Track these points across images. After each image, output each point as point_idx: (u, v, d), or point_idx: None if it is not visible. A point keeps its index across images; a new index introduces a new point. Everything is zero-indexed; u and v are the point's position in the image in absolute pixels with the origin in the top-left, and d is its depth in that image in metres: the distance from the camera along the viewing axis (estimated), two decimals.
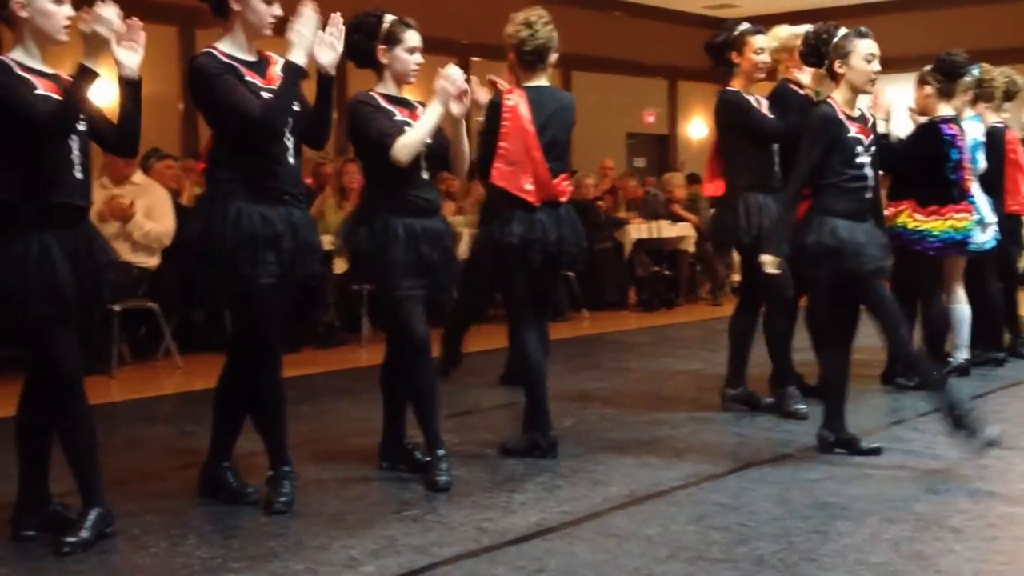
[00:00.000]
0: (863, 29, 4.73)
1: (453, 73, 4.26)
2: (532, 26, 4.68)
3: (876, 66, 4.70)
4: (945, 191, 5.98)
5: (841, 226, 4.62)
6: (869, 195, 4.79)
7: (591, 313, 10.32)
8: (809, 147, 4.70)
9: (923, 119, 6.13)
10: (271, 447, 4.12)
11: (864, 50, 4.67)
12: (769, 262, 4.75)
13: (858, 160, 4.70)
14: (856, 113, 4.77)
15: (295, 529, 3.90)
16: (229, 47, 3.97)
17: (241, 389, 4.12)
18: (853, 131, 4.69)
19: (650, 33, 14.98)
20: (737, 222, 5.48)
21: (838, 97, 4.73)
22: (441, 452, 4.40)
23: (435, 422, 4.43)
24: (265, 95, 3.89)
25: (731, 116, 5.57)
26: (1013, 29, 13.73)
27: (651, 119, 15.93)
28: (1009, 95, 7.02)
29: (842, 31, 4.76)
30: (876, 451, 4.76)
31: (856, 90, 4.74)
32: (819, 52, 4.82)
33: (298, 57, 3.90)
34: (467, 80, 4.39)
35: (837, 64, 4.71)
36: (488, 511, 4.07)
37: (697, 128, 16.10)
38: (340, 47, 4.05)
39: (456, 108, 4.32)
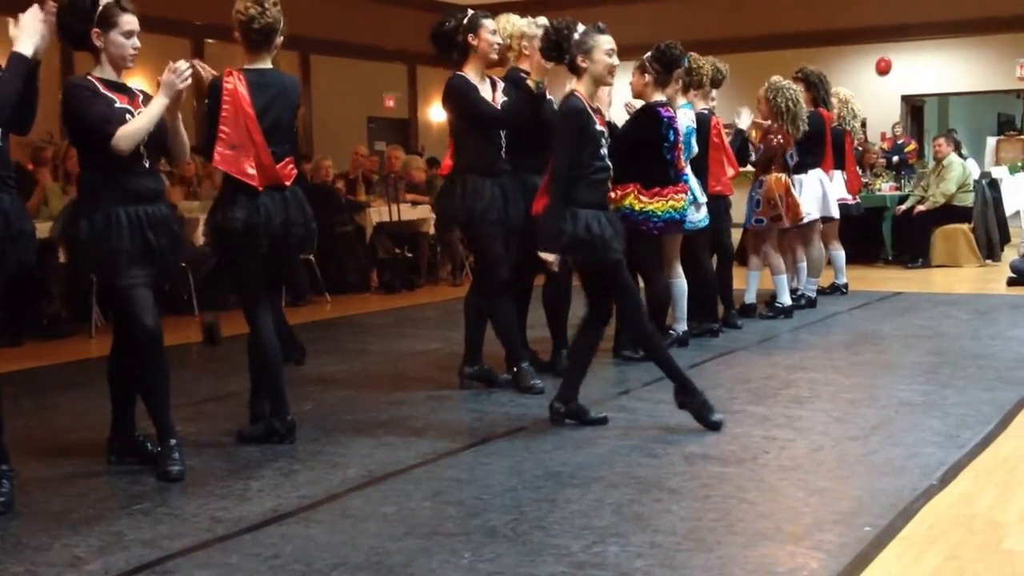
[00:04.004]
0: (601, 25, 4.89)
1: (182, 68, 4.20)
2: (262, 4, 4.61)
3: (615, 59, 4.87)
4: (663, 172, 6.31)
5: (592, 220, 4.78)
6: (609, 185, 5.00)
7: (333, 297, 10.26)
8: (565, 140, 4.82)
9: (639, 103, 6.45)
10: None
11: (605, 45, 4.84)
12: (551, 260, 4.82)
13: (602, 151, 4.88)
14: (595, 105, 4.93)
15: (14, 530, 3.72)
16: None
17: None
18: (597, 123, 4.86)
19: (388, 18, 14.99)
20: (454, 202, 5.65)
21: (582, 90, 4.88)
22: (173, 442, 4.30)
23: (166, 412, 4.32)
24: None
25: (453, 101, 5.69)
26: (720, 22, 14.65)
27: (391, 103, 15.98)
28: (715, 83, 7.50)
29: (581, 27, 4.90)
30: (603, 420, 5.00)
31: (598, 83, 4.91)
32: (560, 47, 4.94)
33: (24, 48, 3.82)
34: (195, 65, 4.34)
35: (580, 59, 4.85)
36: (223, 500, 4.01)
37: (437, 112, 16.25)
38: (47, 33, 3.94)
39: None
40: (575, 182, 4.81)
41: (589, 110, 4.84)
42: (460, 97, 5.65)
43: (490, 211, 5.61)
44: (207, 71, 4.52)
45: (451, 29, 5.68)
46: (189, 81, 4.24)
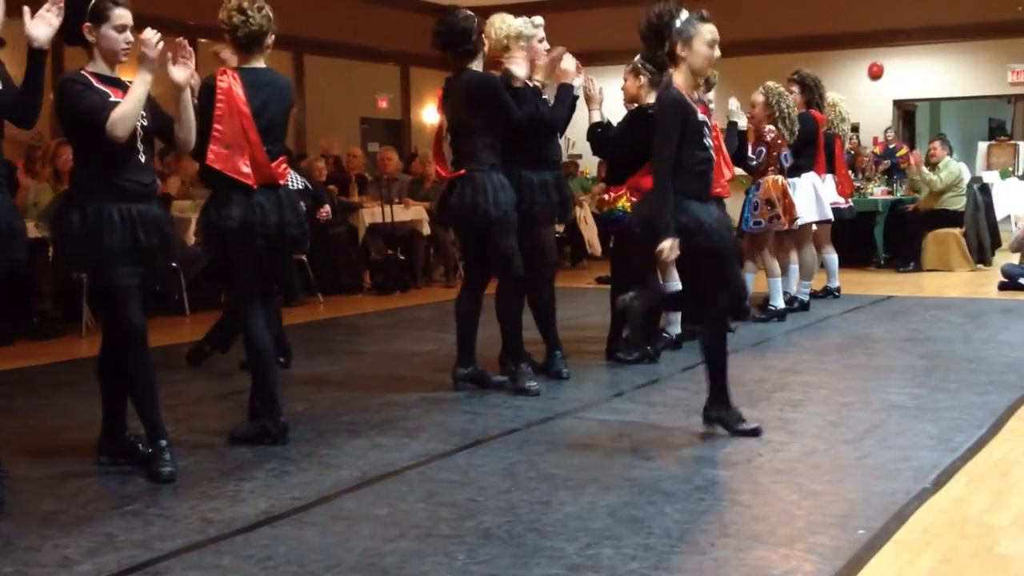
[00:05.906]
0: (705, 13, 4.69)
1: (150, 37, 4.09)
2: (245, 12, 4.60)
3: (717, 51, 4.68)
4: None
5: (699, 209, 4.63)
6: (711, 176, 4.86)
7: (326, 297, 10.25)
8: (666, 132, 4.60)
9: (633, 107, 6.44)
10: None
11: (707, 35, 4.63)
12: (668, 246, 4.55)
13: (705, 142, 4.71)
14: (696, 96, 4.75)
15: (5, 530, 3.69)
16: None
17: None
18: (700, 114, 4.69)
19: (382, 19, 14.99)
20: (487, 199, 5.55)
21: (680, 80, 4.67)
22: (164, 443, 4.28)
23: (156, 412, 4.30)
24: None
25: (484, 95, 5.57)
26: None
27: (384, 104, 15.97)
28: (709, 86, 7.48)
29: (684, 14, 4.68)
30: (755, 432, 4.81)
31: (697, 74, 4.71)
32: (661, 35, 4.72)
33: None
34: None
35: (679, 47, 4.64)
36: (215, 501, 3.99)
37: (431, 114, 16.25)
38: (56, 22, 3.91)
39: (179, 74, 4.22)
40: (678, 173, 4.61)
41: (689, 101, 4.64)
42: (495, 92, 5.56)
43: (513, 206, 5.60)
44: (186, 51, 4.38)
45: (468, 29, 5.62)
46: (161, 46, 4.11)
